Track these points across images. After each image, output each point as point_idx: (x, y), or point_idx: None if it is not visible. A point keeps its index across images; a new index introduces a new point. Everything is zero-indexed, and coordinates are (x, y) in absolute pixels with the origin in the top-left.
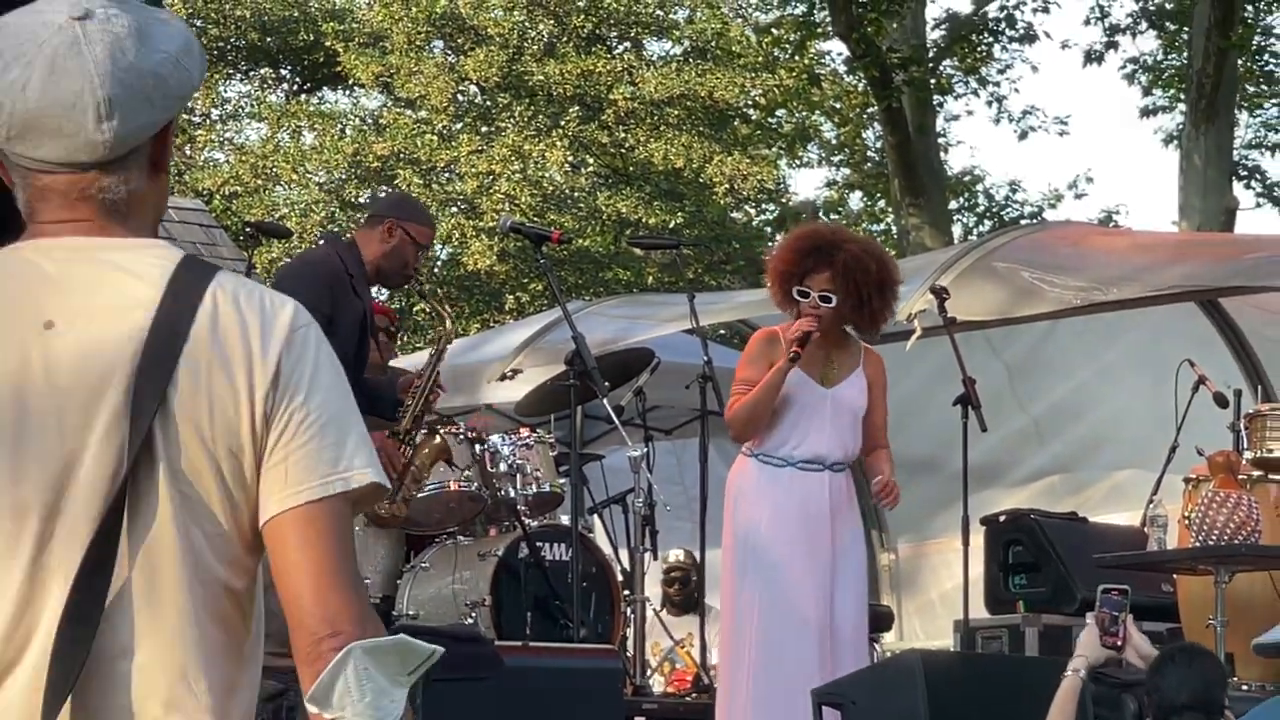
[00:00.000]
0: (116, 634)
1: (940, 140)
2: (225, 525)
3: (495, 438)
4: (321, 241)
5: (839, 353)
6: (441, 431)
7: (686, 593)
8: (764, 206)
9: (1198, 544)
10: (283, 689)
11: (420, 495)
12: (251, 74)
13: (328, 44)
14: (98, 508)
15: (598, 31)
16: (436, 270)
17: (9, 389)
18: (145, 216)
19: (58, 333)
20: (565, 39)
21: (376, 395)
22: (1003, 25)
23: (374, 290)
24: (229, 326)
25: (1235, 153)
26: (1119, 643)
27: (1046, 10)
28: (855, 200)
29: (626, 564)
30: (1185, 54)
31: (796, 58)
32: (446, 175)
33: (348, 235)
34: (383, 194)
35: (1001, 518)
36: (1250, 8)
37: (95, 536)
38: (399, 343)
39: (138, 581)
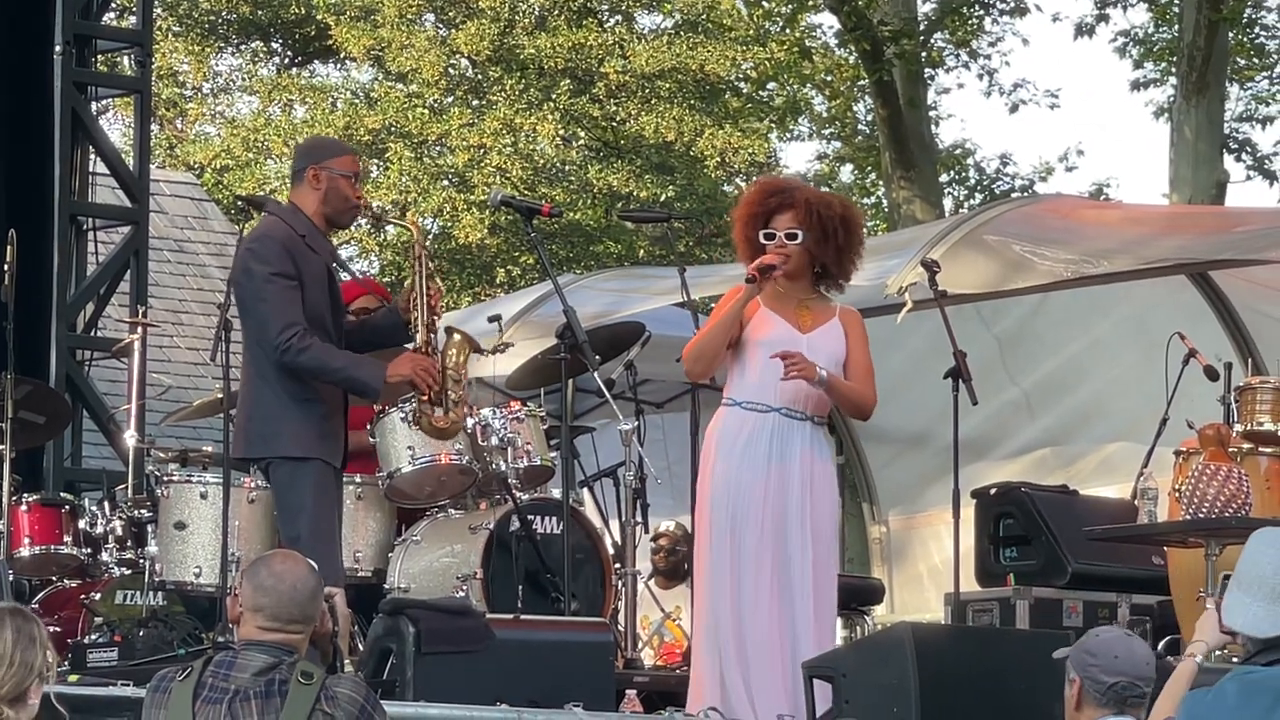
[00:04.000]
0: None
1: (931, 113)
2: None
3: (486, 411)
4: (264, 214)
5: (812, 301)
6: (456, 329)
7: (673, 562)
8: (755, 180)
9: (1188, 516)
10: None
11: (411, 469)
12: (243, 47)
13: (319, 17)
14: None
15: (589, 5)
16: (428, 244)
17: None
18: None
19: None
20: (556, 12)
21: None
22: None
23: (334, 239)
24: None
25: (1226, 126)
26: None
27: None
28: (846, 173)
29: (618, 537)
30: (1176, 27)
31: (788, 31)
32: (438, 149)
33: (284, 200)
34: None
35: (992, 491)
36: None
37: None
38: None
39: None
